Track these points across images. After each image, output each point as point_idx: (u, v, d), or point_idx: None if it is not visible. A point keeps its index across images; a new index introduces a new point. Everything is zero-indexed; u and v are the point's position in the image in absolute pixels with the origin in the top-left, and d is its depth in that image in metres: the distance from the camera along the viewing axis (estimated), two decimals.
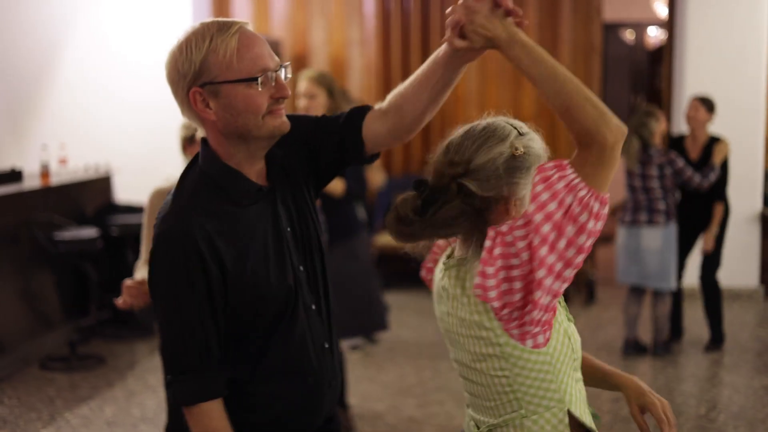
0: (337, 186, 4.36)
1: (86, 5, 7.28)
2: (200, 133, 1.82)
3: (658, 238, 5.51)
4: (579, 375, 1.79)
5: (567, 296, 6.54)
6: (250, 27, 1.77)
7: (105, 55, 7.25)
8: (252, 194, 1.80)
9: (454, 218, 1.65)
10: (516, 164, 1.68)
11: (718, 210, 5.73)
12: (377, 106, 1.96)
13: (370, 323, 4.62)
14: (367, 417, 4.64)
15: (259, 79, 1.71)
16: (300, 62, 8.12)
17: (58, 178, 6.11)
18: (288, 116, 1.82)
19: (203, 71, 1.71)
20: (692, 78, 7.08)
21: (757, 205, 7.15)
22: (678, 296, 5.92)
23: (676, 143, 5.91)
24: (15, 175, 5.79)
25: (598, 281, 7.39)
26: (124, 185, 6.82)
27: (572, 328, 1.80)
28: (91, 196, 6.38)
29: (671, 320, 5.88)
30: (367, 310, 4.53)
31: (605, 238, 8.43)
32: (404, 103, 1.92)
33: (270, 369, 1.81)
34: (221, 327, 1.76)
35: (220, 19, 1.77)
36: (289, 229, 1.85)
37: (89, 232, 5.70)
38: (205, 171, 1.80)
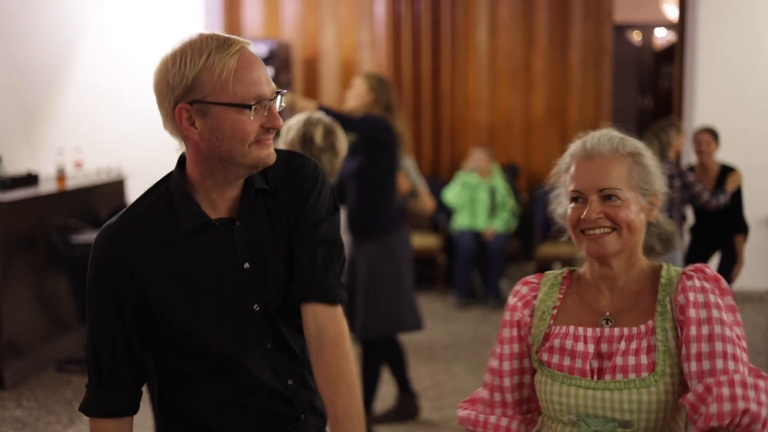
0: (402, 183, 4.46)
1: (98, 10, 7.32)
2: (180, 149, 1.73)
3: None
4: None
5: None
6: (252, 48, 1.66)
7: (117, 60, 7.28)
8: (194, 225, 1.69)
9: None
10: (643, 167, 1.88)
11: (740, 243, 5.72)
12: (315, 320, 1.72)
13: (401, 322, 4.49)
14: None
15: (253, 107, 1.61)
16: (310, 65, 8.16)
17: (73, 181, 6.15)
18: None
19: (194, 88, 1.60)
20: (703, 79, 7.09)
21: None
22: None
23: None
24: (31, 179, 5.82)
25: None
26: (137, 189, 6.84)
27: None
28: (105, 200, 6.42)
29: None
30: (397, 308, 4.42)
31: None
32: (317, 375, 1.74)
33: (219, 401, 1.74)
34: (135, 351, 1.72)
35: (220, 34, 1.65)
36: (247, 265, 1.71)
37: None
38: (169, 187, 1.73)
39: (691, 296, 1.66)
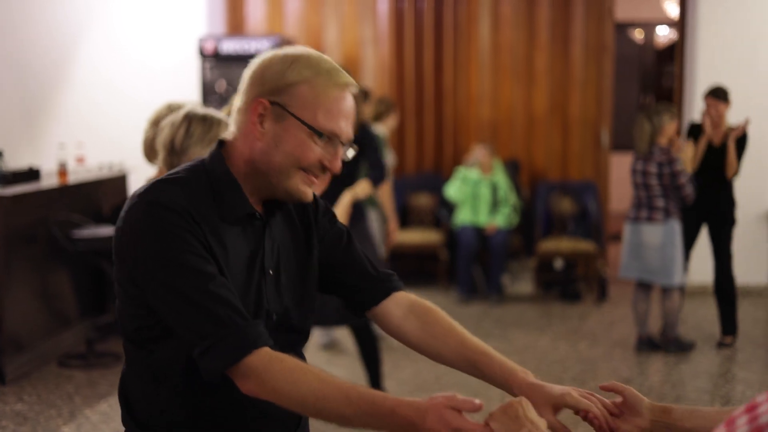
0: (365, 188, 4.51)
1: (102, 5, 7.33)
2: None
3: (658, 234, 5.57)
4: None
5: (579, 294, 6.63)
6: (354, 92, 1.65)
7: (119, 55, 7.30)
8: (241, 214, 1.64)
9: None
10: None
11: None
12: (404, 295, 1.85)
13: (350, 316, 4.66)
14: None
15: (325, 137, 1.60)
16: None
17: (75, 176, 6.15)
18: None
19: (286, 92, 1.58)
20: (703, 77, 7.09)
21: (767, 202, 7.17)
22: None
23: (694, 129, 5.91)
24: (33, 174, 5.83)
25: (610, 279, 7.41)
26: (138, 184, 6.85)
27: None
28: (107, 195, 6.42)
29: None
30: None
31: (617, 237, 8.46)
32: (429, 338, 1.79)
33: (234, 403, 1.64)
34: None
35: (337, 65, 1.64)
36: (271, 272, 1.69)
37: (106, 230, 5.73)
38: (207, 168, 1.65)
39: None
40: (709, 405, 4.77)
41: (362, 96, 5.95)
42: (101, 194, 6.38)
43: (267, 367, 1.51)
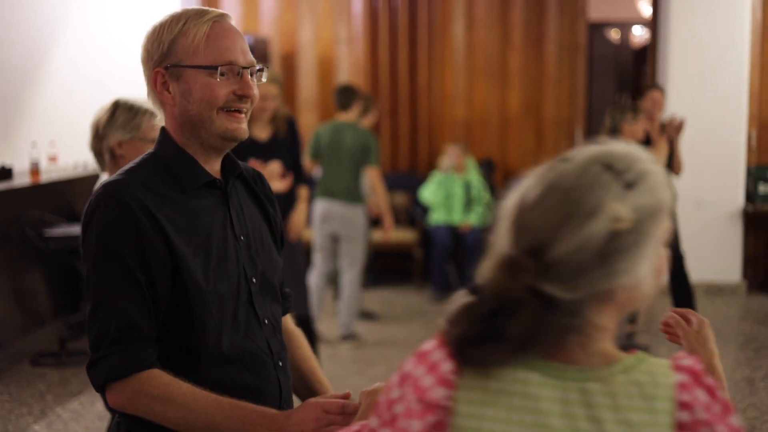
0: (302, 192, 4.77)
1: (78, 3, 7.31)
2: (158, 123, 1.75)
3: None
4: None
5: None
6: (233, 21, 1.72)
7: (96, 53, 7.28)
8: (201, 183, 1.69)
9: (535, 332, 1.11)
10: (618, 245, 1.11)
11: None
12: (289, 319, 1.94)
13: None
14: None
15: (220, 69, 1.64)
16: (288, 60, 8.18)
17: (47, 175, 6.14)
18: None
19: (170, 53, 1.65)
20: (675, 76, 7.16)
21: (740, 201, 7.24)
22: None
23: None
24: (5, 173, 5.81)
25: None
26: None
27: None
28: (80, 194, 6.41)
29: None
30: (300, 291, 4.74)
31: None
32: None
33: (217, 362, 1.66)
34: (152, 303, 1.61)
35: (202, 7, 1.72)
36: (242, 238, 1.73)
37: (79, 229, 5.74)
38: (156, 153, 1.72)
39: None
40: None
41: (345, 94, 6.07)
42: (74, 193, 6.37)
43: (142, 389, 1.57)
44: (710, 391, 1.13)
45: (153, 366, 1.59)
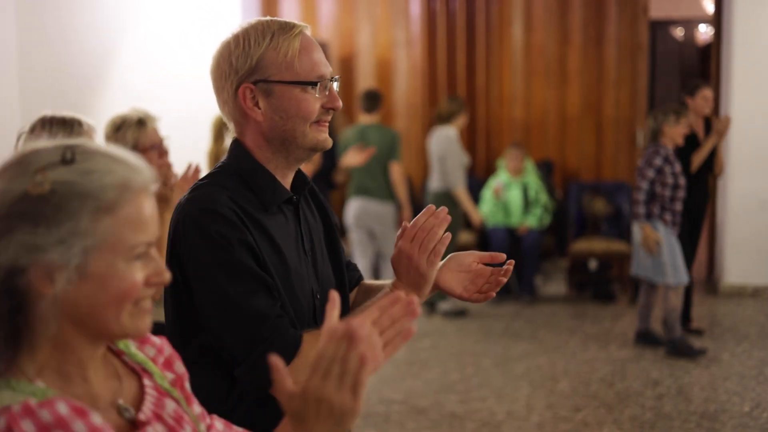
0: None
1: (137, 14, 7.46)
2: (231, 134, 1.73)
3: (639, 233, 5.61)
4: None
5: (612, 295, 6.53)
6: (309, 32, 1.70)
7: (153, 63, 7.40)
8: (282, 200, 1.69)
9: None
10: (31, 209, 1.01)
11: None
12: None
13: None
14: (411, 413, 4.73)
15: (318, 85, 1.65)
16: (347, 64, 8.25)
17: None
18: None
19: (259, 68, 1.62)
20: (739, 74, 7.02)
21: None
22: (688, 288, 5.91)
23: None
24: None
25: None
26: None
27: None
28: None
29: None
30: None
31: None
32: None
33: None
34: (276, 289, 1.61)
35: (279, 18, 1.68)
36: (310, 253, 1.73)
37: None
38: (234, 168, 1.68)
39: None
40: (739, 407, 4.74)
41: (372, 99, 6.43)
42: None
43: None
44: None
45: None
